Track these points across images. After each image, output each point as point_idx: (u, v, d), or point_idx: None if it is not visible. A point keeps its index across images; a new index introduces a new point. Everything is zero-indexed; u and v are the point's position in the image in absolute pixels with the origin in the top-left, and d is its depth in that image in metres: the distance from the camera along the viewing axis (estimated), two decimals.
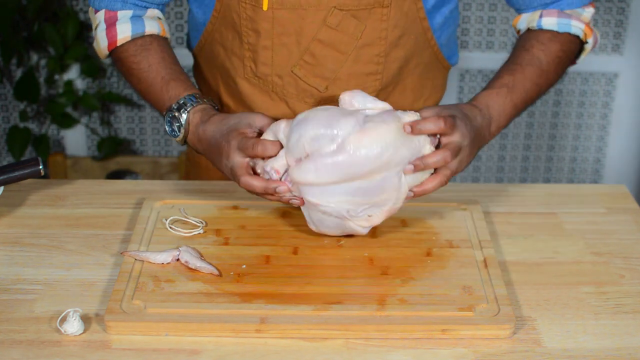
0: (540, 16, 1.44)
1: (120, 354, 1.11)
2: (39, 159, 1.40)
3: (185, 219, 1.38)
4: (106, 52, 1.45)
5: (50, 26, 2.63)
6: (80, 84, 2.82)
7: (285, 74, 1.44)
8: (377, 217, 1.23)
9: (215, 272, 1.24)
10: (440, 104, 1.64)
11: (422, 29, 1.42)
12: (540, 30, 1.44)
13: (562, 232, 1.40)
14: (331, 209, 1.21)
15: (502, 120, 1.37)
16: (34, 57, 2.77)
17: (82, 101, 2.76)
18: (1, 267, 1.28)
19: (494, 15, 2.79)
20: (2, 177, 1.39)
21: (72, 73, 2.79)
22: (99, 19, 1.45)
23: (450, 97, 2.84)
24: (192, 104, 1.33)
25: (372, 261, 1.27)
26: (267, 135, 1.24)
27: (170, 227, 1.36)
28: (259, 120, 1.26)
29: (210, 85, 1.55)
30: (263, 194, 1.24)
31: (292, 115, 1.46)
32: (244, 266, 1.26)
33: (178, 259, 1.27)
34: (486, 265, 1.27)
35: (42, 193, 1.50)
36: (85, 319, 1.16)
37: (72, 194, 1.50)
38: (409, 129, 1.18)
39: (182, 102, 1.34)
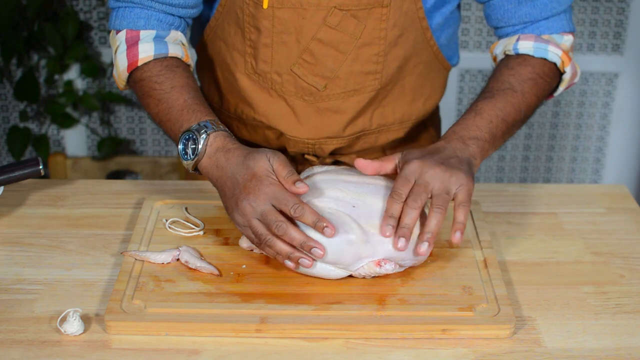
0: (518, 40, 1.42)
1: (120, 354, 1.11)
2: (39, 159, 1.40)
3: (186, 218, 1.38)
4: (126, 74, 1.39)
5: (50, 26, 2.63)
6: (80, 84, 2.82)
7: (285, 72, 1.43)
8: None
9: (215, 272, 1.24)
10: (440, 104, 1.63)
11: (421, 29, 1.42)
12: (515, 55, 1.42)
13: (562, 232, 1.40)
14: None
15: (478, 132, 1.30)
16: (34, 57, 2.77)
17: (82, 101, 2.76)
18: (1, 267, 1.28)
19: None
20: (2, 177, 1.39)
21: (72, 73, 2.79)
22: (119, 40, 1.39)
23: (450, 97, 2.85)
24: (212, 128, 1.25)
25: None
26: None
27: (170, 227, 1.36)
28: (276, 165, 1.20)
29: (211, 80, 1.55)
30: (286, 248, 1.18)
31: (290, 111, 1.46)
32: (244, 266, 1.26)
33: (178, 259, 1.27)
34: (486, 265, 1.27)
35: (42, 193, 1.50)
36: (85, 319, 1.16)
37: (72, 194, 1.50)
38: (390, 232, 1.18)
39: (202, 124, 1.26)
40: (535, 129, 2.94)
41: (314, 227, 1.16)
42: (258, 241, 1.19)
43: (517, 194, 1.52)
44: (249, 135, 1.56)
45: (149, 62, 1.37)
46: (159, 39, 1.39)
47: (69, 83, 2.77)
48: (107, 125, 2.90)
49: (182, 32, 1.42)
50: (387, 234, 1.18)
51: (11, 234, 1.38)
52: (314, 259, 1.18)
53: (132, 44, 1.38)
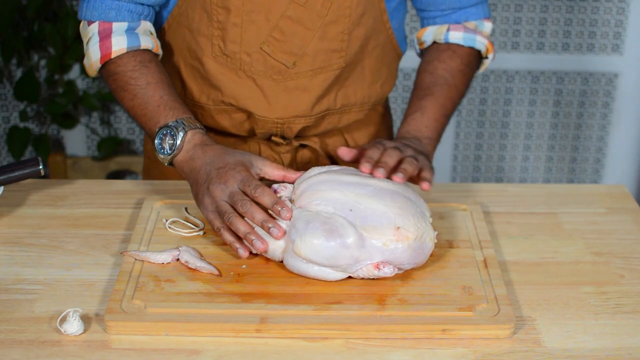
0: (448, 30, 1.53)
1: (120, 354, 1.11)
2: (39, 159, 1.40)
3: (186, 218, 1.38)
4: (98, 65, 1.43)
5: (50, 26, 2.63)
6: (80, 84, 2.82)
7: (254, 51, 1.46)
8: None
9: (215, 272, 1.24)
10: None
11: (379, 11, 1.48)
12: (444, 45, 1.54)
13: (562, 232, 1.40)
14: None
15: (428, 132, 1.45)
16: (34, 57, 2.77)
17: (82, 101, 2.77)
18: (1, 267, 1.28)
19: (494, 16, 2.79)
20: (2, 177, 1.39)
21: (72, 73, 2.80)
22: (91, 32, 1.43)
23: None
24: (190, 127, 1.34)
25: None
26: None
27: (170, 227, 1.36)
28: (260, 163, 1.30)
29: (171, 69, 1.55)
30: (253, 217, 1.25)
31: (258, 91, 1.48)
32: (244, 266, 1.26)
33: (178, 259, 1.27)
34: (486, 265, 1.27)
35: (42, 193, 1.50)
36: (85, 319, 1.16)
37: (72, 194, 1.50)
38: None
39: (180, 121, 1.34)
40: (535, 129, 2.94)
41: (272, 208, 1.23)
42: (221, 220, 1.25)
43: (517, 194, 1.52)
44: (214, 121, 1.56)
45: (122, 55, 1.41)
46: (130, 31, 1.43)
47: (69, 83, 2.77)
48: (107, 125, 2.90)
49: (150, 21, 1.47)
50: (366, 169, 1.28)
51: (11, 234, 1.38)
52: (267, 244, 1.24)
53: (105, 36, 1.42)
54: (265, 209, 1.24)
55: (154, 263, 1.26)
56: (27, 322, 1.16)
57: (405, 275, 1.24)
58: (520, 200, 1.50)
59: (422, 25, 1.59)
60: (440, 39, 1.54)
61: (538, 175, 3.02)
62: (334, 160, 1.61)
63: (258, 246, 1.23)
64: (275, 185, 1.28)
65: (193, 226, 1.37)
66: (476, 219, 1.39)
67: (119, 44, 1.41)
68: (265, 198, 1.24)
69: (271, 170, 1.30)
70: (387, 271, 1.20)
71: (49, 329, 1.15)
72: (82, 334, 1.14)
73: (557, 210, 1.47)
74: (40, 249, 1.33)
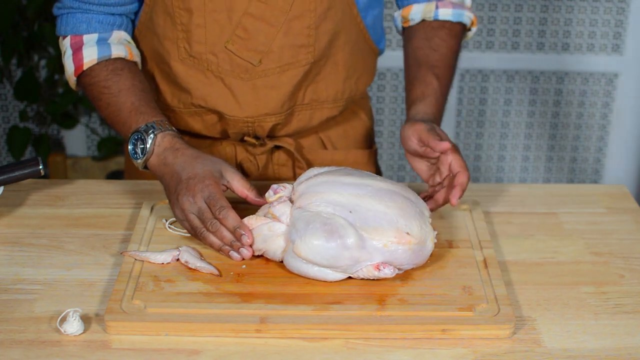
0: (437, 7, 1.53)
1: (120, 354, 1.11)
2: (39, 159, 1.40)
3: None
4: (73, 78, 1.47)
5: (50, 26, 2.63)
6: None
7: (219, 50, 1.46)
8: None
9: (215, 272, 1.24)
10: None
11: (347, 4, 1.47)
12: (436, 22, 1.54)
13: (562, 232, 1.40)
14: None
15: (439, 123, 1.46)
16: (34, 57, 2.77)
17: (82, 101, 2.77)
18: (1, 267, 1.28)
19: (494, 16, 2.79)
20: (2, 177, 1.39)
21: None
22: (65, 45, 1.47)
23: (450, 97, 2.84)
24: (160, 129, 1.35)
25: None
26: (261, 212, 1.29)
27: (170, 227, 1.36)
28: (229, 174, 1.31)
29: (146, 75, 1.55)
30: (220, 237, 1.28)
31: (227, 91, 1.48)
32: (244, 266, 1.26)
33: (178, 259, 1.27)
34: (486, 265, 1.27)
35: (42, 193, 1.50)
36: (85, 319, 1.16)
37: (72, 194, 1.50)
38: (458, 200, 1.32)
39: (150, 125, 1.35)
40: (535, 129, 2.94)
41: (234, 233, 1.25)
42: (194, 233, 1.29)
43: (517, 194, 1.52)
44: (186, 125, 1.56)
45: (94, 66, 1.45)
46: (101, 42, 1.45)
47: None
48: (107, 125, 2.90)
49: (125, 30, 1.49)
50: (456, 201, 1.31)
51: (11, 234, 1.38)
52: (244, 253, 1.26)
53: (77, 49, 1.46)
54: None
55: (154, 263, 1.26)
56: (27, 322, 1.16)
57: (405, 275, 1.24)
58: (520, 200, 1.50)
59: (405, 4, 1.57)
60: (430, 16, 1.54)
61: (538, 175, 3.02)
62: (309, 163, 1.60)
63: (235, 258, 1.26)
64: (274, 185, 1.28)
65: None
66: (476, 219, 1.39)
67: (89, 56, 1.45)
68: (229, 221, 1.25)
69: (237, 187, 1.31)
70: (388, 272, 1.20)
71: (49, 329, 1.15)
72: (82, 334, 1.14)
73: (557, 210, 1.47)
74: (40, 249, 1.33)
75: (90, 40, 1.45)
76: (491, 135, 2.96)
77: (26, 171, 1.39)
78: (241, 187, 1.31)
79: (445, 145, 1.32)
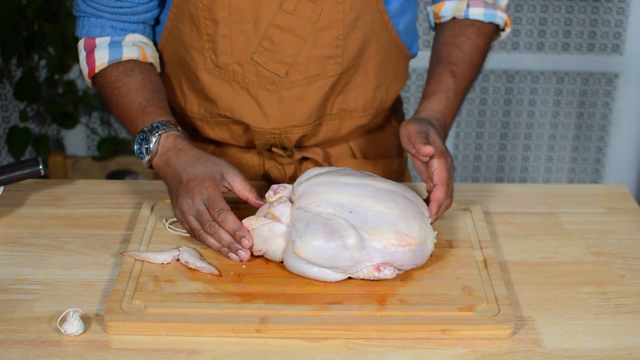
0: (468, 6, 1.50)
1: (120, 354, 1.11)
2: (39, 159, 1.40)
3: None
4: (89, 80, 1.49)
5: (50, 26, 2.63)
6: (80, 84, 2.82)
7: (245, 61, 1.44)
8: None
9: (215, 272, 1.24)
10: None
11: (378, 11, 1.44)
12: (467, 21, 1.50)
13: (562, 232, 1.40)
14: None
15: (451, 122, 1.45)
16: (34, 57, 2.77)
17: (82, 101, 2.77)
18: (1, 267, 1.28)
19: None
20: (2, 177, 1.39)
21: (72, 73, 2.79)
22: (80, 47, 1.50)
23: None
24: (164, 129, 1.35)
25: None
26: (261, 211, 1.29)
27: (170, 227, 1.36)
28: (230, 176, 1.30)
29: (174, 82, 1.55)
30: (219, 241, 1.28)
31: (254, 103, 1.47)
32: (244, 266, 1.26)
33: (178, 259, 1.27)
34: (486, 265, 1.27)
35: (42, 193, 1.50)
36: (85, 319, 1.16)
37: (72, 194, 1.50)
38: (433, 220, 1.28)
39: (154, 125, 1.36)
40: (535, 129, 2.94)
41: (233, 235, 1.26)
42: (192, 235, 1.29)
43: (517, 194, 1.52)
44: (214, 133, 1.55)
45: (106, 68, 1.46)
46: (114, 45, 1.47)
47: (69, 83, 2.77)
48: (107, 125, 2.90)
49: (141, 33, 1.49)
50: (432, 221, 1.27)
51: (11, 234, 1.38)
52: (243, 254, 1.26)
53: (89, 51, 1.48)
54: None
55: (154, 263, 1.26)
56: (27, 322, 1.16)
57: (405, 275, 1.24)
58: (520, 200, 1.50)
59: (437, 0, 1.54)
60: (461, 15, 1.50)
61: (538, 175, 3.02)
62: None
63: (234, 259, 1.26)
64: (274, 186, 1.28)
65: None
66: (476, 219, 1.39)
67: (101, 58, 1.46)
68: (228, 223, 1.26)
69: (238, 189, 1.30)
70: (388, 273, 1.20)
71: (49, 329, 1.15)
72: (82, 334, 1.14)
73: (557, 210, 1.47)
74: (40, 249, 1.33)
75: (102, 42, 1.47)
76: (491, 135, 2.96)
77: (26, 171, 1.39)
78: (242, 189, 1.30)
79: (427, 150, 1.27)
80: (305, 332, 1.13)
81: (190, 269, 1.25)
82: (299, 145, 1.55)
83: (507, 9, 1.53)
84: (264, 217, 1.27)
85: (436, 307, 1.17)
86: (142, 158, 1.36)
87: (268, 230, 1.24)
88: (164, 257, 1.26)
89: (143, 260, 1.27)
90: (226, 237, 1.26)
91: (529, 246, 1.36)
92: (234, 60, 1.44)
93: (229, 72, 1.45)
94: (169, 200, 1.43)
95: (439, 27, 1.55)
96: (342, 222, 1.20)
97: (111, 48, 1.46)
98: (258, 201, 1.30)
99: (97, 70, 1.46)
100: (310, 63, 1.43)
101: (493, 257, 1.28)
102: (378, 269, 1.20)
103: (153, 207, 1.41)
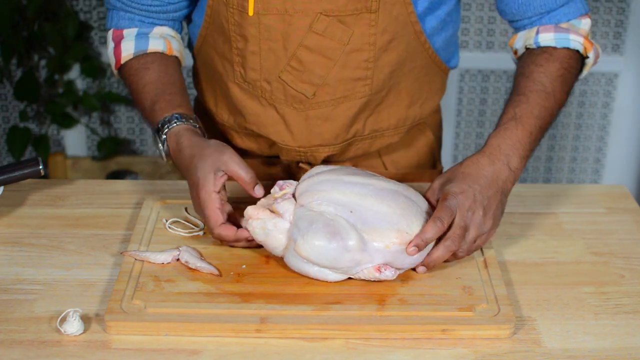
0: (537, 32, 1.41)
1: (120, 354, 1.11)
2: (39, 159, 1.40)
3: (186, 218, 1.38)
4: (116, 71, 1.50)
5: (50, 26, 2.63)
6: (80, 84, 2.82)
7: (274, 79, 1.42)
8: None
9: (215, 272, 1.24)
10: (440, 103, 1.62)
11: (414, 33, 1.40)
12: (538, 49, 1.41)
13: (562, 232, 1.40)
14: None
15: (522, 150, 1.31)
16: (34, 57, 2.77)
17: (82, 101, 2.77)
18: (1, 267, 1.28)
19: (494, 16, 2.79)
20: (2, 177, 1.39)
21: (72, 73, 2.80)
22: (109, 38, 1.49)
23: (450, 97, 2.85)
24: (167, 127, 1.36)
25: None
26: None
27: (170, 227, 1.36)
28: (231, 169, 1.27)
29: (206, 88, 1.54)
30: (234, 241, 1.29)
31: (280, 120, 1.46)
32: (244, 266, 1.26)
33: (178, 259, 1.27)
34: (486, 265, 1.27)
35: (42, 193, 1.50)
36: (85, 319, 1.16)
37: (72, 194, 1.50)
38: (413, 250, 1.19)
39: (160, 124, 1.36)
40: None
41: (235, 245, 1.29)
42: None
43: (517, 194, 1.52)
44: (242, 143, 1.55)
45: (129, 61, 1.46)
46: (141, 36, 1.46)
47: (69, 83, 2.77)
48: (107, 125, 2.90)
49: (170, 26, 1.49)
50: (412, 253, 1.19)
51: (11, 234, 1.38)
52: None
53: (117, 42, 1.47)
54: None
55: (154, 263, 1.26)
56: (27, 322, 1.16)
57: (405, 275, 1.24)
58: (520, 200, 1.50)
59: (514, 32, 1.47)
60: (531, 43, 1.41)
61: (538, 175, 3.02)
62: None
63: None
64: (280, 182, 1.28)
65: (193, 226, 1.37)
66: None
67: (127, 50, 1.46)
68: (225, 237, 1.27)
69: (238, 177, 1.28)
70: (389, 274, 1.20)
71: (49, 329, 1.15)
72: (82, 334, 1.14)
73: (557, 210, 1.47)
74: (40, 249, 1.33)
75: (130, 34, 1.46)
76: None
77: (26, 171, 1.39)
78: (243, 182, 1.28)
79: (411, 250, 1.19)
80: (305, 332, 1.13)
81: (190, 269, 1.25)
82: (328, 160, 1.53)
83: (589, 34, 1.43)
84: (268, 209, 1.26)
85: (436, 307, 1.17)
86: (164, 159, 1.39)
87: (273, 226, 1.23)
88: (164, 257, 1.26)
89: (143, 260, 1.26)
90: (232, 239, 1.28)
91: (529, 246, 1.36)
92: (262, 77, 1.42)
93: (257, 88, 1.44)
94: (169, 200, 1.43)
95: (517, 61, 1.46)
96: (345, 223, 1.19)
97: (138, 39, 1.45)
98: (258, 193, 1.29)
99: (122, 62, 1.46)
100: (338, 85, 1.41)
101: (493, 257, 1.28)
102: (379, 270, 1.20)
103: (153, 207, 1.41)
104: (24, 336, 1.13)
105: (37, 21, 2.68)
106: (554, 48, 1.40)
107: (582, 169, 3.00)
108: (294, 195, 1.26)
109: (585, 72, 1.45)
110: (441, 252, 1.21)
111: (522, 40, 1.44)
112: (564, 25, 1.41)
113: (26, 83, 2.69)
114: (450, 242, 1.21)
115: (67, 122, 2.80)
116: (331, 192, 1.23)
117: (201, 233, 1.35)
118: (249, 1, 1.35)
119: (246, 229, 1.26)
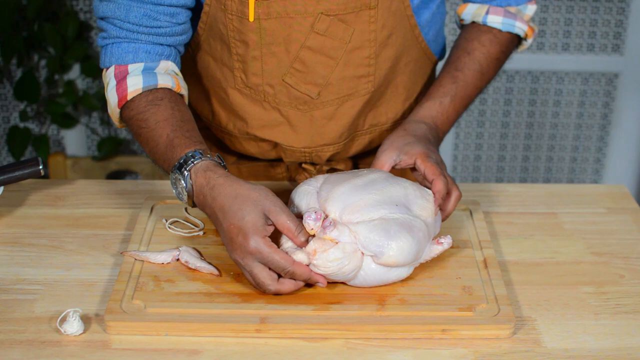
0: (487, 12, 1.48)
1: (120, 354, 1.11)
2: (39, 159, 1.40)
3: (186, 218, 1.38)
4: (117, 111, 1.35)
5: (50, 26, 2.63)
6: (80, 84, 2.82)
7: (277, 83, 1.41)
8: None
9: (215, 272, 1.24)
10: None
11: (409, 27, 1.42)
12: (485, 27, 1.48)
13: (562, 232, 1.40)
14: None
15: (446, 127, 1.44)
16: (34, 57, 2.77)
17: (82, 101, 2.77)
18: (1, 267, 1.28)
19: None
20: (2, 177, 1.39)
21: (72, 73, 2.80)
22: (109, 76, 1.36)
23: None
24: (192, 162, 1.23)
25: None
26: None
27: (170, 227, 1.36)
28: (274, 215, 1.17)
29: (200, 94, 1.53)
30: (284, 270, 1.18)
31: (285, 122, 1.45)
32: None
33: (178, 259, 1.27)
34: (486, 266, 1.27)
35: (42, 193, 1.50)
36: (85, 319, 1.16)
37: (72, 194, 1.50)
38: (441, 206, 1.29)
39: (182, 160, 1.24)
40: (535, 129, 2.94)
41: (310, 281, 1.18)
42: (259, 288, 1.19)
43: (517, 194, 1.52)
44: (242, 147, 1.54)
45: (135, 98, 1.33)
46: (147, 71, 1.35)
47: (69, 83, 2.77)
48: (107, 125, 2.90)
49: (173, 61, 1.39)
50: (449, 209, 1.31)
51: (11, 234, 1.38)
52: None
53: (121, 78, 1.34)
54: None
55: (154, 263, 1.26)
56: (27, 322, 1.16)
57: None
58: (520, 200, 1.50)
59: (463, 1, 1.52)
60: (479, 20, 1.48)
61: (538, 175, 3.02)
62: None
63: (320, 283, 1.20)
64: (308, 213, 1.18)
65: (193, 226, 1.37)
66: (476, 219, 1.39)
67: (134, 85, 1.33)
68: (299, 275, 1.17)
69: (282, 228, 1.18)
70: (449, 241, 1.25)
71: (49, 329, 1.15)
72: (82, 334, 1.14)
73: (557, 210, 1.47)
74: (40, 249, 1.33)
75: (135, 69, 1.34)
76: (491, 135, 2.96)
77: (26, 171, 1.39)
78: (286, 230, 1.18)
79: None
80: (305, 332, 1.13)
81: (190, 269, 1.25)
82: (330, 159, 1.54)
83: (532, 20, 1.49)
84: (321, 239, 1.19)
85: (436, 307, 1.17)
86: (182, 199, 1.25)
87: (341, 252, 1.17)
88: (164, 257, 1.26)
89: (143, 260, 1.27)
90: (305, 275, 1.18)
91: (529, 246, 1.36)
92: (264, 82, 1.42)
93: (259, 93, 1.43)
94: (169, 200, 1.43)
95: (462, 29, 1.54)
96: (405, 216, 1.21)
97: (145, 74, 1.34)
98: (302, 239, 1.18)
99: (129, 98, 1.33)
100: (342, 83, 1.42)
101: (493, 257, 1.28)
102: (439, 242, 1.24)
103: (153, 207, 1.41)
104: (24, 336, 1.13)
105: (37, 21, 2.68)
106: (499, 31, 1.48)
107: (582, 169, 3.00)
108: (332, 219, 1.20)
109: (520, 49, 1.56)
110: (458, 194, 1.32)
111: (471, 14, 1.50)
112: (512, 9, 1.48)
113: (26, 83, 2.70)
114: (449, 180, 1.31)
115: (67, 122, 2.80)
116: (363, 197, 1.21)
117: (201, 233, 1.35)
118: (249, 7, 1.34)
119: (311, 265, 1.18)
